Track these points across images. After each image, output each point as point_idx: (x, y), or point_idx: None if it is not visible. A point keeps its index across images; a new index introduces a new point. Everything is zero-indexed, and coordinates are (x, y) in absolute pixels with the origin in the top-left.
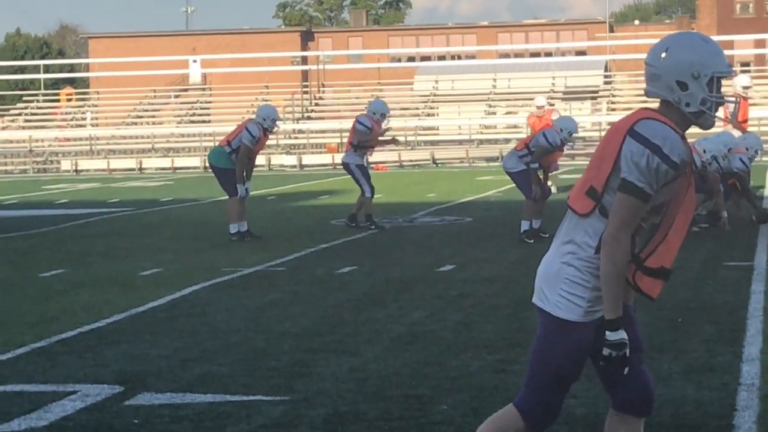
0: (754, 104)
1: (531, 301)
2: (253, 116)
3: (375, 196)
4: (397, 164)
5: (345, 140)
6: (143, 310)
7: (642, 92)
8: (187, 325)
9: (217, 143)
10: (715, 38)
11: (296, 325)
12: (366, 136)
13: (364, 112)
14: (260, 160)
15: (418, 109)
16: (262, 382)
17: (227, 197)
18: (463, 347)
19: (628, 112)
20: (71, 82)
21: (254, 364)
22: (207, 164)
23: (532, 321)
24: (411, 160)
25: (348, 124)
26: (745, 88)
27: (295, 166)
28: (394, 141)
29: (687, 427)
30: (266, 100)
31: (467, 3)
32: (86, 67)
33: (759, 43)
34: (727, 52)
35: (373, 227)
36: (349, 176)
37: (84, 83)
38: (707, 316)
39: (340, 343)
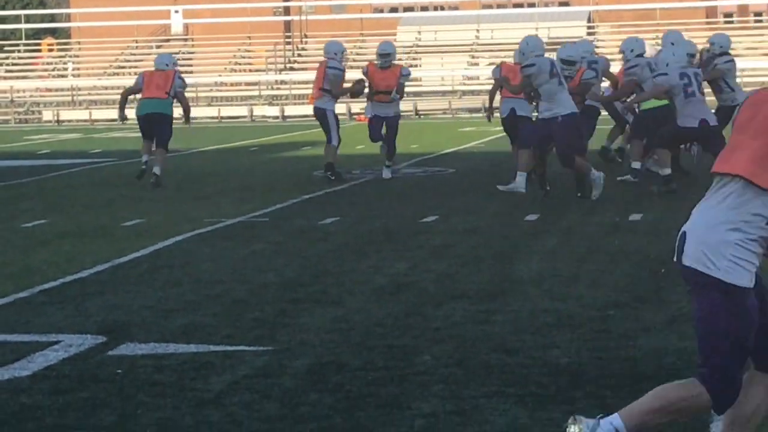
0: (737, 55)
1: (681, 263)
2: (165, 68)
3: (358, 146)
4: None
5: None
6: (126, 261)
7: (621, 42)
8: (170, 275)
9: (197, 94)
10: None
11: (279, 275)
12: (340, 79)
13: (323, 58)
14: (242, 110)
15: (401, 60)
16: (245, 332)
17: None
18: (445, 298)
19: (612, 63)
20: (52, 32)
21: (237, 315)
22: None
23: (513, 271)
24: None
25: None
26: None
27: (277, 117)
28: (359, 84)
29: (670, 377)
30: (248, 51)
31: None
32: (67, 17)
33: None
34: (710, 3)
35: (330, 176)
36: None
37: (65, 33)
38: None
39: (323, 293)
